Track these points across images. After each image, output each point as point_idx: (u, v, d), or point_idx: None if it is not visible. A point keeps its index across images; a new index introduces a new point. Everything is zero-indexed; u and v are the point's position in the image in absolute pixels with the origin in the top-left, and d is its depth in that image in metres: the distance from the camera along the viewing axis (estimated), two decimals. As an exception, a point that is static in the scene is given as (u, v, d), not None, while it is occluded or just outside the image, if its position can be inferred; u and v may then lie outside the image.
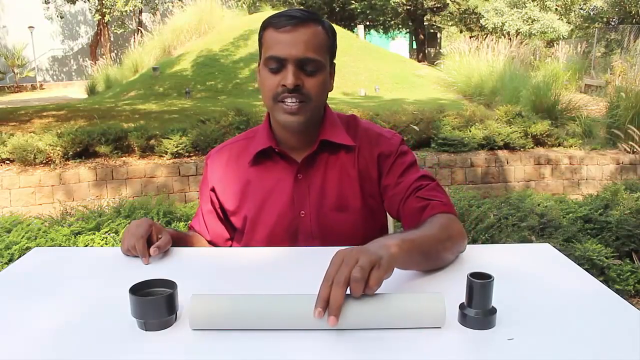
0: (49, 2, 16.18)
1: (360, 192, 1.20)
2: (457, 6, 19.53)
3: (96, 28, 17.58)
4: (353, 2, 20.29)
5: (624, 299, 0.90)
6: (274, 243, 1.20)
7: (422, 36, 21.90)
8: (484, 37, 11.72)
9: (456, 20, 20.83)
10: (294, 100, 1.10)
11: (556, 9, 16.77)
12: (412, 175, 1.18)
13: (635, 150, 5.82)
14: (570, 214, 2.97)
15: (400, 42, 25.49)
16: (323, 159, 1.20)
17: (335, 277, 0.75)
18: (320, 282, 0.77)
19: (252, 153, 1.21)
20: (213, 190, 1.28)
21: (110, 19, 16.13)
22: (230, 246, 1.32)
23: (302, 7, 18.76)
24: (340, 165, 1.20)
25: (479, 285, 0.78)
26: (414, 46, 23.99)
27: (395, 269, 0.83)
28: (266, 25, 1.13)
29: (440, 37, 26.30)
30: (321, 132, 1.19)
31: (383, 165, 1.21)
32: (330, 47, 1.16)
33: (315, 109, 1.15)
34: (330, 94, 1.21)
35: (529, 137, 5.73)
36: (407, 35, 25.41)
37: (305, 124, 1.14)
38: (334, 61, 1.20)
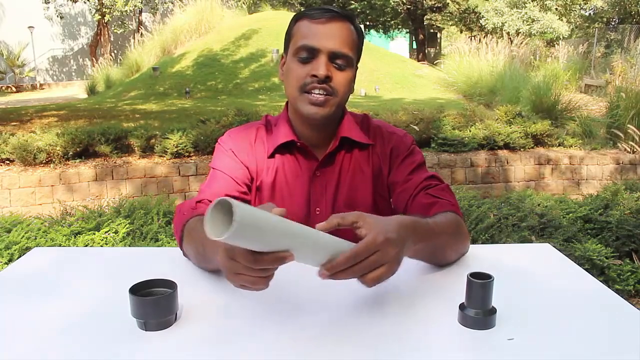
0: (49, 2, 16.18)
1: (372, 191, 1.21)
2: (457, 6, 19.53)
3: (96, 28, 17.57)
4: (353, 2, 20.28)
5: (624, 299, 0.90)
6: None
7: (422, 36, 21.90)
8: (484, 36, 11.73)
9: (456, 20, 20.83)
10: (321, 92, 1.09)
11: (556, 9, 16.76)
12: (422, 174, 1.19)
13: (635, 150, 5.82)
14: (571, 214, 2.96)
15: (400, 42, 25.50)
16: (340, 157, 1.20)
17: (359, 265, 0.75)
18: (324, 286, 0.78)
19: (273, 145, 1.19)
20: (240, 158, 1.19)
21: (110, 19, 16.12)
22: None
23: (303, 6, 18.79)
24: (355, 163, 1.21)
25: (479, 285, 0.78)
26: (414, 46, 23.99)
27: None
28: (300, 17, 1.14)
29: (440, 37, 26.30)
30: (340, 130, 1.19)
31: (394, 161, 1.22)
32: (358, 47, 1.16)
33: (339, 105, 1.14)
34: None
35: (529, 137, 5.73)
36: (407, 35, 25.41)
37: (327, 118, 1.13)
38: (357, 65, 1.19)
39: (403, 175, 1.19)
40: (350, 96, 1.19)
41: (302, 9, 1.19)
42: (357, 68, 1.19)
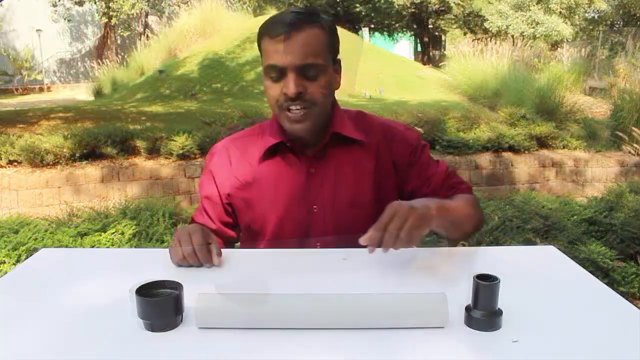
0: (56, 5, 16.27)
1: (374, 188, 1.20)
2: (461, 9, 19.50)
3: (103, 31, 17.65)
4: (357, 5, 20.30)
5: (629, 301, 0.90)
6: (284, 239, 1.19)
7: (426, 39, 21.88)
8: (488, 39, 11.72)
9: (460, 22, 20.79)
10: (297, 107, 1.08)
11: (560, 11, 16.70)
12: (434, 168, 1.24)
13: (639, 152, 5.79)
14: (575, 216, 2.95)
15: (405, 45, 25.47)
16: (335, 153, 1.19)
17: (389, 225, 0.90)
18: (329, 285, 0.83)
19: (263, 148, 1.19)
20: (217, 183, 1.24)
21: (116, 22, 16.19)
22: (236, 241, 1.31)
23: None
24: (355, 160, 1.20)
25: (485, 287, 0.79)
26: (419, 49, 23.97)
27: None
28: (261, 33, 1.10)
29: (445, 40, 26.26)
30: (332, 126, 1.18)
31: (401, 159, 1.22)
32: (330, 45, 1.11)
33: (321, 114, 1.13)
34: (335, 96, 1.20)
35: (533, 139, 5.72)
36: (411, 38, 25.39)
37: (311, 130, 1.13)
38: (339, 57, 1.16)
39: (423, 177, 1.22)
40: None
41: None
42: (339, 61, 1.16)
